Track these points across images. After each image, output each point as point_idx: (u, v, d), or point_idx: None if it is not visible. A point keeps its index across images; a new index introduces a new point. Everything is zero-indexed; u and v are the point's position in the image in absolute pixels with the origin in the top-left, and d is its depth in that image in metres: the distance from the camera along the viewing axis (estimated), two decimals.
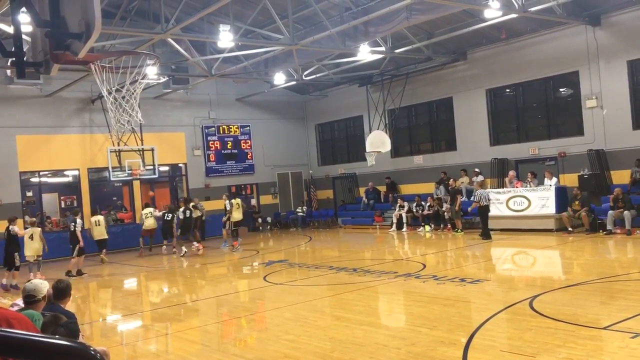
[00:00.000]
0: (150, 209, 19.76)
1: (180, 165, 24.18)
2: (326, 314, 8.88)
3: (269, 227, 25.28)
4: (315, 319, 8.49)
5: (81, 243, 15.28)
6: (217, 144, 24.74)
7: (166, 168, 23.68)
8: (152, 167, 20.57)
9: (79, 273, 15.17)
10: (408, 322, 8.13)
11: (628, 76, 16.76)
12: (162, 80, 20.58)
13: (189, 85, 22.80)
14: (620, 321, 6.86)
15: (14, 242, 13.64)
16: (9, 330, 1.37)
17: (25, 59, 3.47)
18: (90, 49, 3.22)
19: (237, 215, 18.68)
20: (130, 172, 20.14)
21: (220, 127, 24.81)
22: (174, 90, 22.50)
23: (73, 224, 15.54)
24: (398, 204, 21.05)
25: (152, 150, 20.66)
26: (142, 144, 20.63)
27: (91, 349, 1.27)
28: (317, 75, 21.99)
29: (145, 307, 11.39)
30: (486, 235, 16.22)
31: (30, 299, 5.02)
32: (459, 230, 18.20)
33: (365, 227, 22.46)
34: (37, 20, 3.13)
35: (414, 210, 20.55)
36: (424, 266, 12.33)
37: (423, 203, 20.27)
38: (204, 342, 8.17)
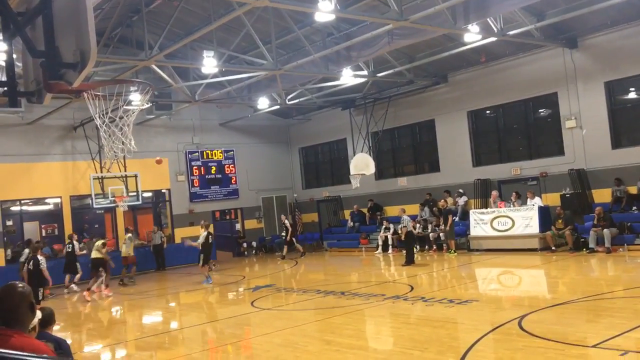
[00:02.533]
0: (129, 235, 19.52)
1: (163, 191, 24.05)
2: (316, 339, 8.82)
3: (254, 251, 25.15)
4: (305, 344, 8.43)
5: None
6: (201, 169, 24.70)
7: (149, 194, 23.53)
8: (135, 194, 20.45)
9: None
10: (399, 344, 8.11)
11: (605, 97, 17.13)
12: (146, 106, 20.56)
13: (172, 111, 22.81)
14: (609, 339, 6.92)
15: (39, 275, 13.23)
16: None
17: (17, 88, 3.47)
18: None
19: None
20: (113, 199, 19.99)
21: (204, 152, 24.79)
22: (157, 116, 22.49)
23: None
24: (383, 226, 21.10)
25: (136, 176, 20.55)
26: (125, 171, 20.51)
27: None
28: (301, 99, 22.15)
29: (130, 335, 11.21)
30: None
31: None
32: (453, 251, 18.14)
33: (351, 249, 22.43)
34: (32, 51, 3.15)
35: (399, 231, 20.58)
36: (412, 288, 12.34)
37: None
38: None
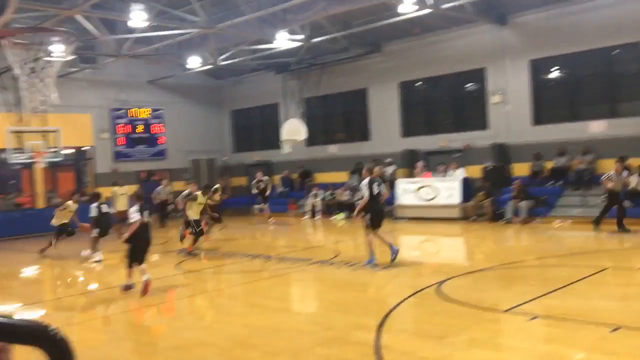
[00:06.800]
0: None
1: (86, 148, 23.13)
2: (242, 301, 8.85)
3: (180, 214, 24.70)
4: (230, 306, 8.45)
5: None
6: (126, 127, 23.88)
7: (71, 151, 22.56)
8: (55, 150, 19.53)
9: None
10: (323, 307, 8.28)
11: (530, 74, 17.81)
12: (69, 58, 19.51)
13: (98, 65, 21.80)
14: (519, 304, 7.33)
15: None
16: None
17: None
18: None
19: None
20: (31, 154, 19.00)
21: (130, 110, 23.95)
22: (81, 69, 21.44)
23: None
24: (312, 192, 21.26)
25: (56, 132, 19.58)
26: (46, 125, 19.49)
27: (50, 328, 1.22)
28: (233, 60, 21.68)
29: (48, 296, 10.85)
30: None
31: None
32: None
33: (280, 214, 22.49)
34: None
35: (328, 198, 20.84)
36: (338, 253, 12.56)
37: (337, 191, 20.62)
38: (114, 331, 7.91)
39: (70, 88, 21.77)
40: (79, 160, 23.73)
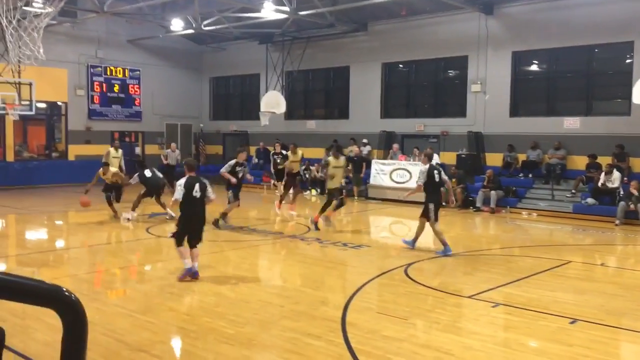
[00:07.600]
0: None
1: (60, 103, 22.67)
2: (211, 270, 8.88)
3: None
4: (200, 274, 8.47)
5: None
6: (102, 85, 23.45)
7: (44, 105, 22.09)
8: (28, 103, 19.10)
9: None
10: (292, 281, 8.37)
11: (511, 66, 17.97)
12: (50, 10, 18.98)
13: (77, 20, 21.26)
14: (483, 291, 7.53)
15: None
16: None
17: None
18: None
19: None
20: (3, 105, 18.55)
21: (108, 68, 23.50)
22: (59, 22, 20.86)
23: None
24: None
25: (30, 84, 19.13)
26: (19, 77, 19.02)
27: (64, 289, 1.24)
28: (217, 26, 21.37)
29: (12, 250, 10.73)
30: None
31: None
32: (356, 198, 18.66)
33: (253, 186, 22.44)
34: None
35: (302, 174, 20.85)
36: (309, 229, 12.66)
37: (311, 167, 20.66)
38: (80, 290, 7.87)
39: (47, 41, 21.11)
40: (52, 115, 23.27)
